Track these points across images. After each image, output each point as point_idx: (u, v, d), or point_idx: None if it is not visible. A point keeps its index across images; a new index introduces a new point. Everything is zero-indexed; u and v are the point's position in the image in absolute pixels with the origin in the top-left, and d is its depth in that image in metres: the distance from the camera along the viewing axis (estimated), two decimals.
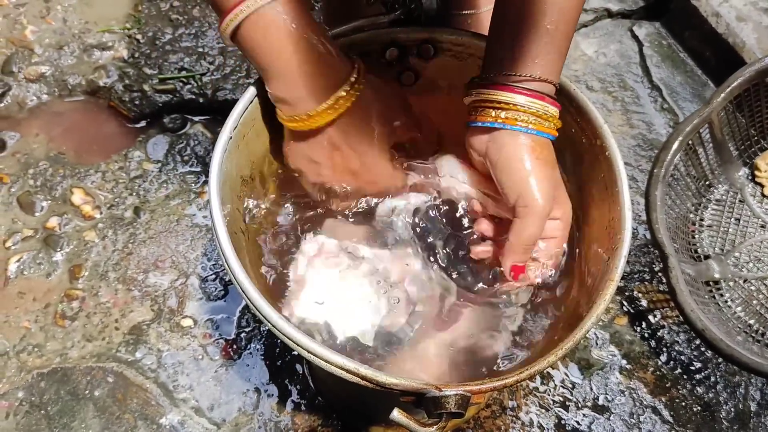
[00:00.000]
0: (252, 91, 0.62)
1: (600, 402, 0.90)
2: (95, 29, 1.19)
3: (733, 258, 0.95)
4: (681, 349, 0.94)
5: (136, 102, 1.12)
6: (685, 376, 0.92)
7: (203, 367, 0.90)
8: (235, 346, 0.91)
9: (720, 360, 0.93)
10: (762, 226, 0.98)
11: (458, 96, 0.74)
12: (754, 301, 0.91)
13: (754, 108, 0.97)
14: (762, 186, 1.01)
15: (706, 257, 0.95)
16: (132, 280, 0.96)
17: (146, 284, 0.96)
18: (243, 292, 0.54)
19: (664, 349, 0.94)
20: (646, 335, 0.95)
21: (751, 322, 0.89)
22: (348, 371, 0.50)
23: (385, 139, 0.62)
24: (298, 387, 0.89)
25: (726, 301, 0.91)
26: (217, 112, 1.13)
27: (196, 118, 1.12)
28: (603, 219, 0.63)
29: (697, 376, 0.92)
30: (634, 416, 0.89)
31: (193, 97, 1.13)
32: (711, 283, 0.92)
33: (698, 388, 0.91)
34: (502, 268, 0.61)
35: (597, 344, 0.94)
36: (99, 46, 1.16)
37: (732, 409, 0.90)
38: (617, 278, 0.56)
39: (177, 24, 1.19)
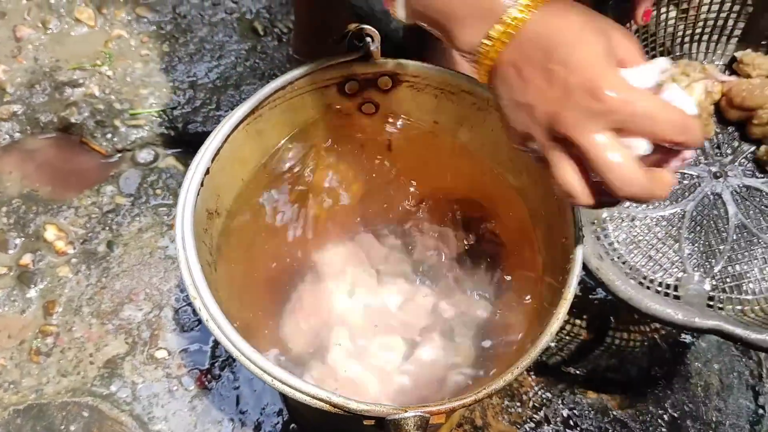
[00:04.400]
0: (224, 129, 0.65)
1: (570, 418, 0.92)
2: (66, 67, 1.20)
3: None
4: (646, 362, 0.96)
5: (108, 137, 1.13)
6: (650, 389, 0.94)
7: (178, 397, 0.90)
8: (209, 376, 0.92)
9: (685, 372, 0.96)
10: None
11: (417, 122, 0.76)
12: (642, 243, 0.84)
13: None
14: None
15: None
16: (106, 314, 0.97)
17: (120, 317, 0.97)
18: (217, 326, 0.56)
19: (630, 364, 0.96)
20: (613, 350, 0.97)
21: (639, 266, 0.82)
22: (320, 400, 0.52)
23: (603, 42, 0.44)
24: (272, 414, 0.90)
25: (611, 243, 0.83)
26: (188, 144, 1.15)
27: (168, 152, 1.14)
28: (557, 240, 0.66)
29: (663, 389, 0.95)
30: (603, 430, 0.91)
31: (165, 130, 1.15)
32: (596, 221, 0.84)
33: (664, 401, 0.94)
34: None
35: (566, 360, 0.96)
36: (70, 84, 1.18)
37: (697, 419, 0.92)
38: (570, 296, 0.59)
39: (147, 59, 1.22)
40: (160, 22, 1.25)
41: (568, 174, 0.46)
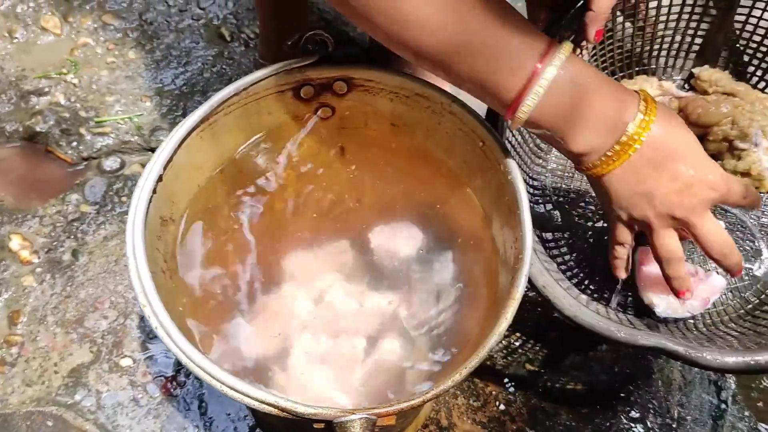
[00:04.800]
0: (177, 136, 0.65)
1: (534, 416, 0.92)
2: (32, 76, 1.20)
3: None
4: (609, 360, 0.97)
5: (73, 145, 1.13)
6: (614, 386, 0.95)
7: (143, 405, 0.90)
8: (174, 383, 0.92)
9: (648, 368, 0.96)
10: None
11: (374, 125, 0.77)
12: (588, 257, 0.83)
13: None
14: None
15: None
16: (70, 323, 0.96)
17: (85, 326, 0.96)
18: (166, 333, 0.56)
19: (593, 361, 0.97)
20: (577, 351, 0.98)
21: (585, 281, 0.81)
22: (268, 404, 0.53)
23: (696, 138, 0.58)
24: (237, 419, 0.90)
25: (559, 260, 0.82)
26: (154, 151, 1.14)
27: (134, 159, 1.14)
28: (509, 240, 0.66)
29: (626, 386, 0.95)
30: (568, 428, 0.92)
31: (131, 138, 1.14)
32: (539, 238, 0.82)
33: (628, 397, 0.95)
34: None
35: (530, 359, 0.97)
36: (36, 92, 1.18)
37: (660, 415, 0.93)
38: (518, 297, 0.59)
39: (113, 67, 1.21)
40: (127, 29, 1.25)
41: (674, 243, 0.61)
